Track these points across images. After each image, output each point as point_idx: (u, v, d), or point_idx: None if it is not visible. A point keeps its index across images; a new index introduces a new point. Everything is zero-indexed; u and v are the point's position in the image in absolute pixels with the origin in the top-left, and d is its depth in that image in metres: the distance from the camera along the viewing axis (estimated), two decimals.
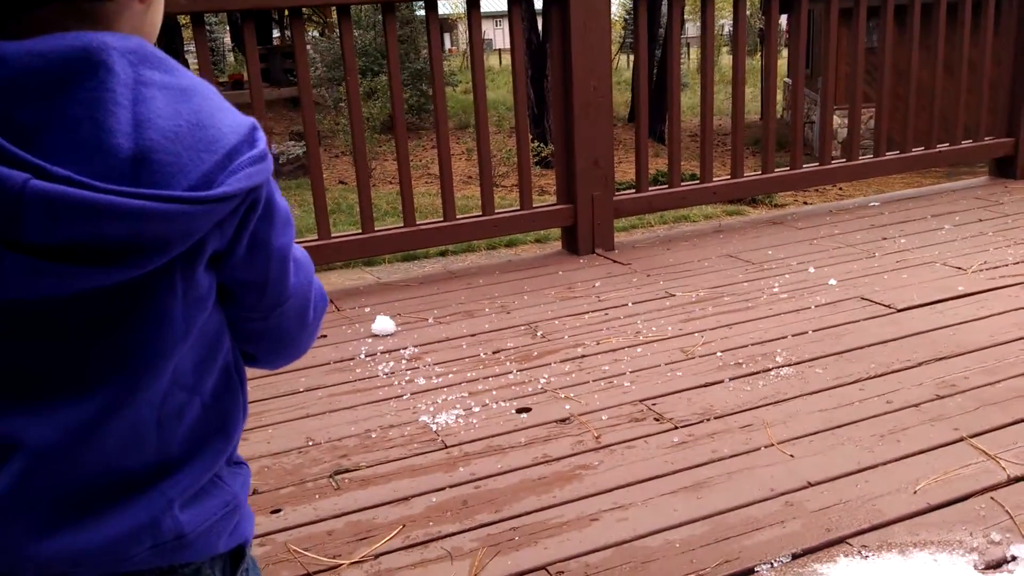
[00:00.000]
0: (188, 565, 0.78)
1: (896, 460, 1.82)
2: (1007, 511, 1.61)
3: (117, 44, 0.66)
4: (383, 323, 2.78)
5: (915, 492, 1.69)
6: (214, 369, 0.79)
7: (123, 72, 0.65)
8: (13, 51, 0.62)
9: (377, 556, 1.60)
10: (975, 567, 1.47)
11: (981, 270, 3.04)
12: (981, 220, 3.73)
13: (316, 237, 3.30)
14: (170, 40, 18.73)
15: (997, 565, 1.47)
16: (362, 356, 2.59)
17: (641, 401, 2.18)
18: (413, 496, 1.80)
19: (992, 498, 1.66)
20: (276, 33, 25.31)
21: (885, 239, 3.55)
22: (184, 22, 18.83)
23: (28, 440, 0.68)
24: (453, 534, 1.66)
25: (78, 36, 0.64)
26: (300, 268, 0.83)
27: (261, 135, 0.72)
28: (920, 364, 2.30)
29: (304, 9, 3.32)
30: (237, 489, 0.83)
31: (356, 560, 1.60)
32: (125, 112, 0.64)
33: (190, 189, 0.65)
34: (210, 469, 0.79)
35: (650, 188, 3.82)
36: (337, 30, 3.25)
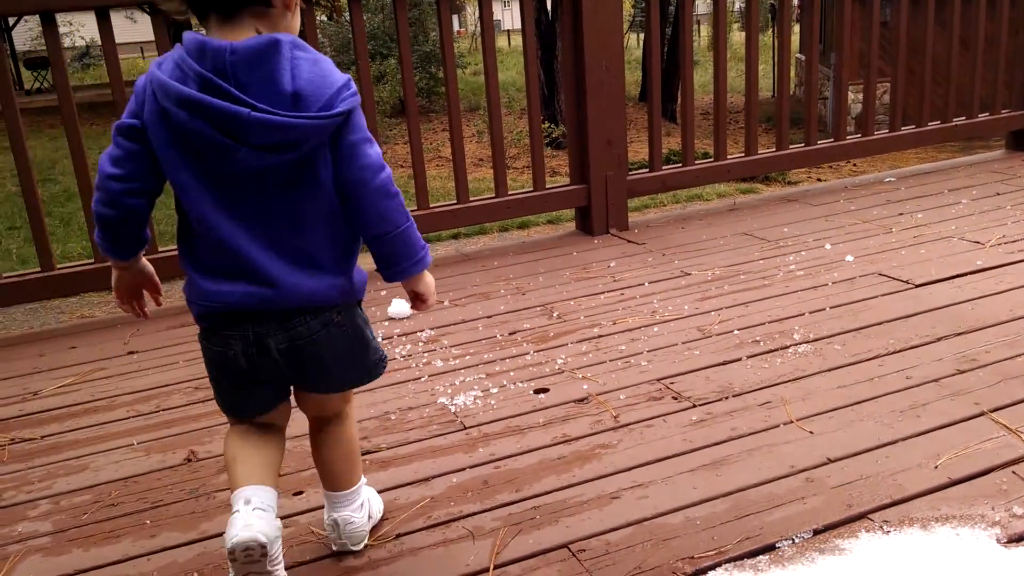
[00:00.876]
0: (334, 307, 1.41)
1: (916, 435, 1.81)
2: None
3: (283, 38, 1.29)
4: (399, 306, 2.78)
5: (936, 467, 1.69)
6: (338, 221, 1.38)
7: (286, 52, 1.29)
8: (240, 45, 1.26)
9: (399, 536, 1.62)
10: (998, 541, 1.46)
11: (999, 244, 3.02)
12: (999, 194, 3.70)
13: None
14: (179, 27, 18.71)
15: (1020, 538, 1.47)
16: (380, 339, 2.60)
17: (659, 380, 2.18)
18: (434, 477, 1.81)
19: (1014, 472, 1.65)
20: None
21: (902, 214, 3.52)
22: None
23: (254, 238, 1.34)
24: (474, 513, 1.67)
25: (267, 36, 1.28)
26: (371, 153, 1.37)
27: (352, 82, 1.34)
28: (939, 339, 2.29)
29: None
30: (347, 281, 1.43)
31: (378, 540, 1.61)
32: (287, 73, 1.28)
33: (319, 111, 1.29)
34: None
35: (663, 167, 3.80)
36: (346, 14, 3.23)
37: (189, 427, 2.14)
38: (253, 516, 1.35)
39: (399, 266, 1.42)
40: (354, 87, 1.34)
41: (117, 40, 2.96)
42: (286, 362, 1.40)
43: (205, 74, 1.25)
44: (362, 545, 1.60)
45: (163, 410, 2.25)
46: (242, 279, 1.35)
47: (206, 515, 1.74)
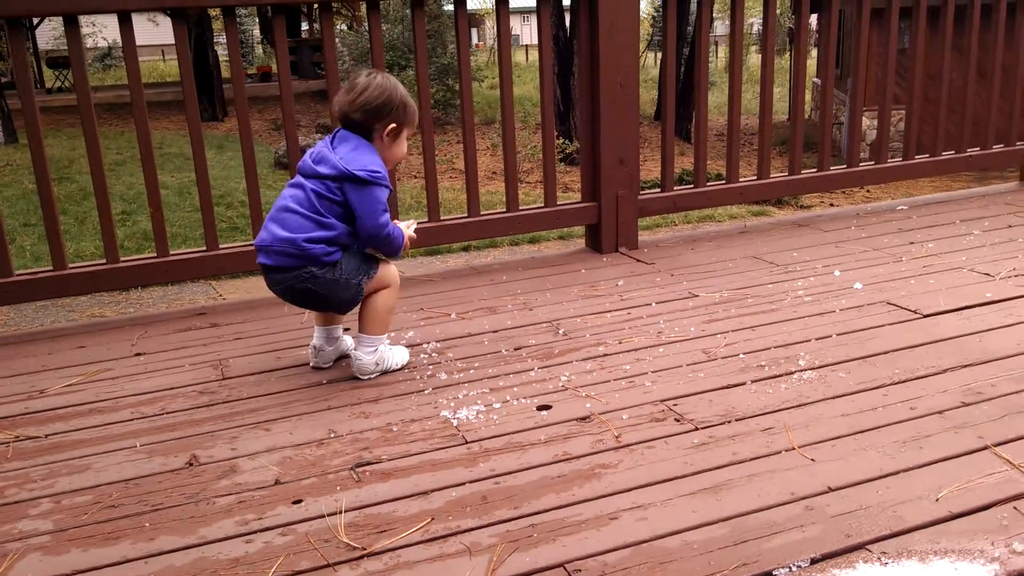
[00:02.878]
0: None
1: (919, 467, 1.81)
2: None
3: (361, 140, 2.36)
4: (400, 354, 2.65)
5: (937, 500, 1.68)
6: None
7: (358, 142, 2.35)
8: (344, 132, 2.39)
9: (396, 549, 1.62)
10: None
11: (1010, 277, 3.01)
12: (1010, 226, 3.69)
13: None
14: (200, 32, 18.89)
15: (1019, 575, 1.46)
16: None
17: (662, 401, 2.18)
18: (433, 490, 1.81)
19: (1015, 508, 1.64)
20: (304, 26, 25.44)
21: (912, 243, 3.52)
22: (215, 14, 18.99)
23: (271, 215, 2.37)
24: (472, 529, 1.67)
25: (357, 136, 2.37)
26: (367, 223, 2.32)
27: (380, 171, 2.31)
28: (946, 370, 2.28)
29: (333, 3, 3.34)
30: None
31: (375, 552, 1.61)
32: (349, 149, 2.32)
33: (348, 168, 2.26)
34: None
35: (675, 187, 3.81)
36: (365, 24, 3.26)
37: (192, 431, 2.15)
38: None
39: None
40: (380, 175, 2.30)
41: (138, 42, 2.99)
42: (283, 296, 2.39)
43: (328, 139, 2.37)
44: (366, 377, 2.41)
45: (167, 413, 2.27)
46: (263, 230, 2.38)
47: (205, 520, 1.74)
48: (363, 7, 3.31)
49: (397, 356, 2.49)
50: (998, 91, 4.28)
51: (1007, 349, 2.39)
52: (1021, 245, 3.39)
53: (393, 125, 2.33)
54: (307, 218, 2.28)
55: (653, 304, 2.93)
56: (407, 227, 2.45)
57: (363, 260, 2.38)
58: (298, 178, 2.35)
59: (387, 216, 2.32)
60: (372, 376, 2.41)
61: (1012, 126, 4.40)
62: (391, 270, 2.44)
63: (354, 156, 2.28)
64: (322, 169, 2.28)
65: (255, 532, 1.69)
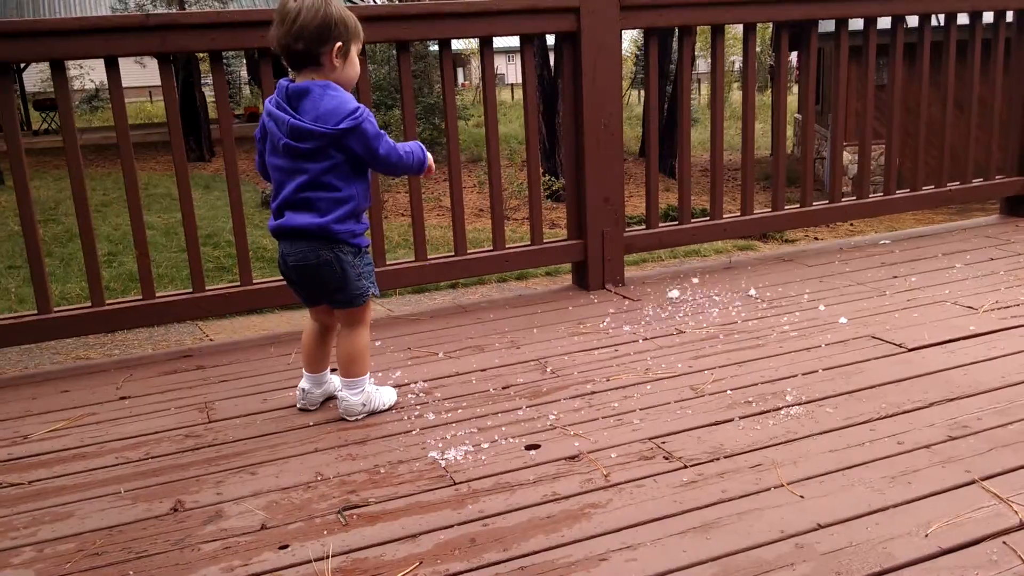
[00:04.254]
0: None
1: (907, 502, 1.81)
2: (1019, 555, 1.59)
3: (314, 83, 2.21)
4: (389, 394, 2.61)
5: (926, 535, 1.68)
6: (329, 184, 2.26)
7: (317, 92, 2.20)
8: (294, 86, 2.21)
9: None
10: None
11: (993, 309, 3.04)
12: (992, 259, 3.73)
13: None
14: (188, 74, 19.02)
15: None
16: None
17: (651, 439, 2.18)
18: (421, 533, 1.79)
19: (1004, 542, 1.64)
20: None
21: (896, 277, 3.55)
22: (202, 56, 19.12)
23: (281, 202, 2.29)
24: (461, 572, 1.65)
25: (306, 82, 2.22)
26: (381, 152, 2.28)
27: (362, 110, 2.20)
28: (931, 404, 2.29)
29: None
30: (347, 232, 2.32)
31: None
32: (314, 103, 2.19)
33: (332, 126, 2.17)
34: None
35: (661, 224, 3.84)
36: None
37: (177, 476, 2.13)
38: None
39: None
40: (360, 112, 2.20)
41: (126, 84, 3.01)
42: (294, 273, 2.33)
43: (278, 100, 2.22)
44: (353, 419, 2.39)
45: (152, 457, 2.24)
46: (275, 214, 2.30)
47: (190, 567, 1.72)
48: None
49: (384, 396, 2.48)
50: (975, 124, 4.34)
51: (992, 382, 2.41)
52: (1003, 278, 3.43)
53: (339, 44, 2.20)
54: (325, 200, 2.23)
55: (640, 340, 2.94)
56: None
57: (372, 271, 2.40)
58: (290, 158, 2.22)
59: (387, 141, 2.25)
60: (360, 417, 2.40)
61: (991, 159, 4.46)
62: (371, 306, 2.44)
63: (325, 109, 2.17)
64: (309, 145, 2.18)
65: None
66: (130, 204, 3.04)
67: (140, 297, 3.12)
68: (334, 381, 2.52)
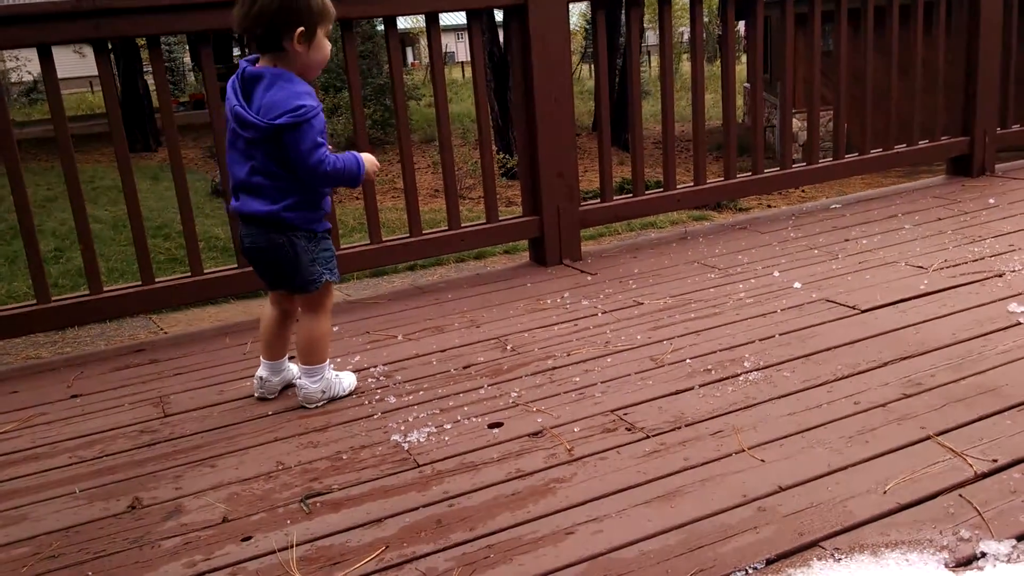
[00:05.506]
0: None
1: (865, 461, 1.83)
2: (975, 508, 1.63)
3: (269, 70, 2.12)
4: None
5: (885, 492, 1.71)
6: (277, 172, 2.18)
7: (267, 80, 2.11)
8: (250, 70, 2.13)
9: None
10: (946, 565, 1.48)
11: (942, 268, 3.09)
12: (940, 219, 3.80)
13: None
14: (129, 62, 18.53)
15: (967, 562, 1.49)
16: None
17: (613, 411, 2.18)
18: (386, 517, 1.78)
19: (960, 495, 1.68)
20: (236, 51, 25.12)
21: (847, 240, 3.60)
22: (142, 43, 18.63)
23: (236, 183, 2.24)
24: (428, 554, 1.64)
25: (262, 68, 2.13)
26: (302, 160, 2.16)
27: (303, 109, 2.08)
28: (886, 364, 2.32)
29: None
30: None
31: None
32: (262, 93, 2.11)
33: (267, 119, 2.09)
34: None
35: (615, 197, 3.84)
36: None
37: (134, 473, 2.08)
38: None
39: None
40: (304, 111, 2.08)
41: (65, 74, 2.91)
42: (250, 255, 2.29)
43: (235, 83, 2.14)
44: (313, 406, 2.36)
45: (107, 455, 2.19)
46: (233, 195, 2.27)
47: (151, 565, 1.69)
48: None
49: (345, 382, 2.44)
50: (920, 87, 4.41)
51: (943, 339, 2.45)
52: (951, 237, 3.49)
53: (300, 29, 2.08)
54: (274, 188, 2.17)
55: (599, 314, 2.94)
56: (368, 160, 2.25)
57: (331, 256, 2.33)
58: (242, 142, 2.17)
59: (320, 152, 2.12)
60: (320, 405, 2.37)
61: (936, 121, 4.53)
62: (330, 291, 2.38)
63: (270, 100, 2.08)
64: (249, 134, 2.11)
65: (204, 573, 1.64)
66: (72, 198, 2.95)
67: (87, 292, 3.04)
68: (292, 369, 2.48)
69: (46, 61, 2.85)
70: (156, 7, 2.90)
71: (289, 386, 2.48)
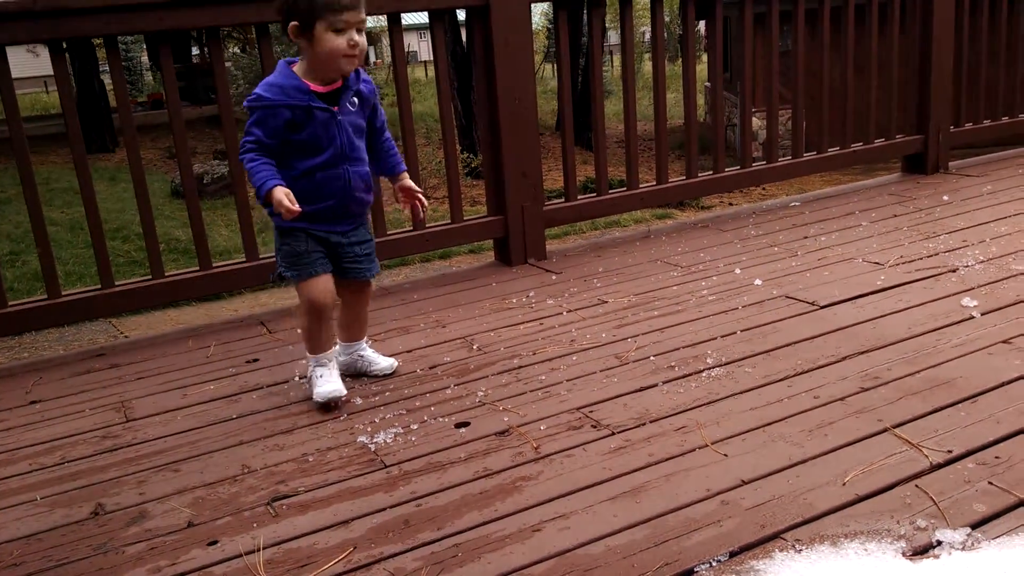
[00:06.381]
0: None
1: (825, 453, 1.87)
2: (931, 497, 1.67)
3: (283, 60, 2.27)
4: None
5: (844, 484, 1.75)
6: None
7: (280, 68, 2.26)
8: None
9: None
10: (903, 554, 1.52)
11: (898, 264, 3.16)
12: (896, 215, 3.88)
13: (244, 259, 3.25)
14: (84, 62, 18.20)
15: (924, 550, 1.53)
16: (296, 379, 2.56)
17: (578, 409, 2.20)
18: (354, 519, 1.78)
19: (916, 486, 1.72)
20: (196, 51, 24.80)
21: (807, 237, 3.66)
22: (98, 42, 18.32)
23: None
24: (396, 555, 1.64)
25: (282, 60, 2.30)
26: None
27: (254, 94, 2.18)
28: (844, 358, 2.37)
29: (222, 28, 3.27)
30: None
31: None
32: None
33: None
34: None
35: (579, 197, 3.86)
36: (258, 46, 3.21)
37: (96, 478, 2.06)
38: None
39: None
40: (250, 99, 2.18)
41: (19, 74, 2.86)
42: None
43: None
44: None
45: (68, 462, 2.16)
46: None
47: (115, 571, 1.67)
48: (253, 31, 3.25)
49: (320, 388, 2.34)
50: (876, 85, 4.49)
51: (899, 334, 2.51)
52: (906, 233, 3.57)
53: (293, 23, 2.14)
54: None
55: (564, 313, 2.96)
56: (285, 196, 2.13)
57: (291, 254, 2.31)
58: None
59: (244, 140, 2.20)
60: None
61: (891, 119, 4.63)
62: (306, 288, 2.32)
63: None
64: None
65: None
66: (28, 200, 2.90)
67: (45, 297, 2.99)
68: (366, 351, 2.56)
69: (0, 62, 2.80)
70: (114, 7, 2.86)
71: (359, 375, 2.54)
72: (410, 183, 2.50)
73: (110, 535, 1.80)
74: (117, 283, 3.08)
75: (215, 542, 1.74)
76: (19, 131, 2.86)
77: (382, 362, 2.55)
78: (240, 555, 1.68)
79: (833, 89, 4.41)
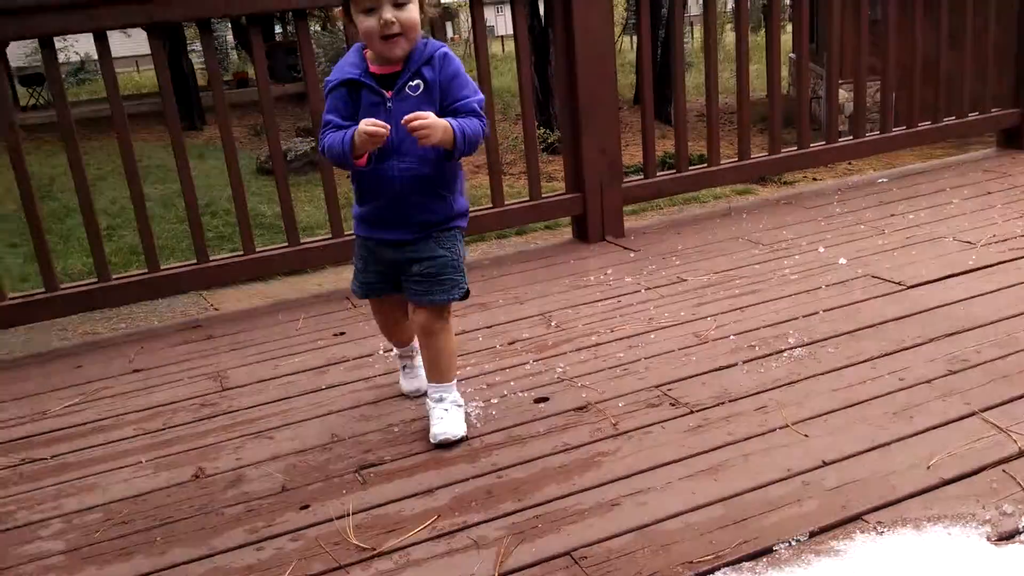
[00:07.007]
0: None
1: (909, 436, 1.85)
2: (1019, 483, 1.64)
3: (357, 43, 2.01)
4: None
5: (928, 467, 1.73)
6: None
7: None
8: None
9: (405, 548, 1.65)
10: (988, 539, 1.50)
11: (990, 243, 3.06)
12: (989, 192, 3.74)
13: (330, 235, 3.35)
14: (174, 43, 18.75)
15: (1009, 536, 1.51)
16: (381, 352, 2.64)
17: (657, 387, 2.22)
18: (438, 488, 1.85)
19: (1004, 471, 1.69)
20: (278, 28, 25.26)
21: (894, 215, 3.56)
22: (187, 23, 18.84)
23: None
24: (478, 523, 1.70)
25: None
26: None
27: (323, 84, 2.05)
28: (931, 340, 2.32)
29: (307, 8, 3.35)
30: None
31: (385, 551, 1.65)
32: None
33: None
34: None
35: (658, 173, 3.84)
36: (339, 22, 3.28)
37: (196, 444, 2.18)
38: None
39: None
40: (325, 86, 2.02)
41: (113, 55, 2.99)
42: None
43: None
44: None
45: (169, 428, 2.29)
46: None
47: (215, 531, 1.77)
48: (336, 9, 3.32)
49: (403, 383, 2.34)
50: (971, 57, 4.32)
51: (990, 316, 2.44)
52: (1000, 211, 3.44)
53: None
54: None
55: (642, 291, 2.97)
56: (366, 124, 1.86)
57: (355, 267, 2.16)
58: None
59: (322, 134, 1.98)
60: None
61: (986, 92, 4.44)
62: (374, 308, 2.25)
63: None
64: None
65: (265, 539, 1.72)
66: (129, 180, 3.05)
67: (146, 270, 3.14)
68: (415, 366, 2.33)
69: (102, 47, 2.94)
70: None
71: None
72: (431, 117, 1.89)
73: (211, 497, 1.91)
74: (212, 258, 3.22)
75: (307, 506, 1.83)
76: (121, 112, 3.00)
77: (410, 385, 2.32)
78: (331, 519, 1.76)
79: (925, 60, 4.25)
